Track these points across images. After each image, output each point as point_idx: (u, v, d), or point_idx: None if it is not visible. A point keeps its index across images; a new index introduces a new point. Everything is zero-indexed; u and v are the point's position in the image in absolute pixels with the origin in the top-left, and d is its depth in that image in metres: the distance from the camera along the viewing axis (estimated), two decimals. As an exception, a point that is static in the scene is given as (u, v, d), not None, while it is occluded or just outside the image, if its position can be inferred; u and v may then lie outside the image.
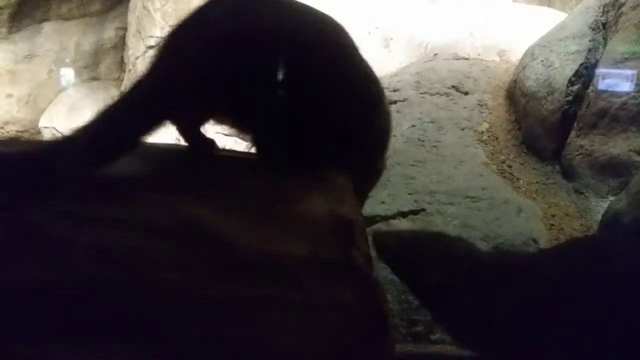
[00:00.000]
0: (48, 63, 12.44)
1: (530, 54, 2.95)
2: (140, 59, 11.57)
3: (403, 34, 4.40)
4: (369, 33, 4.51)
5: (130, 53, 11.71)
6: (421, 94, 3.13)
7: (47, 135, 11.91)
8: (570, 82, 2.48)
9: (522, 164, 2.57)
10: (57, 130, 11.82)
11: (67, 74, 12.31)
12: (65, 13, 11.99)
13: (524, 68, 2.89)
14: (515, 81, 2.96)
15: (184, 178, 1.22)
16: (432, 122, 2.86)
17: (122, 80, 12.41)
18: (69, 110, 12.01)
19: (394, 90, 3.21)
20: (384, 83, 3.44)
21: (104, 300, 0.96)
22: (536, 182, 2.42)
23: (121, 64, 12.55)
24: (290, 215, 1.26)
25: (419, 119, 2.88)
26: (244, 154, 1.41)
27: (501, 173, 2.49)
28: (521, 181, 2.43)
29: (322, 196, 1.42)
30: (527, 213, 2.14)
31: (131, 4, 11.46)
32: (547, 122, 2.54)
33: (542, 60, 2.72)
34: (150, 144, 1.26)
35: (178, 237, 1.10)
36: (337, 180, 1.46)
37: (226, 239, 1.11)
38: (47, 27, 12.15)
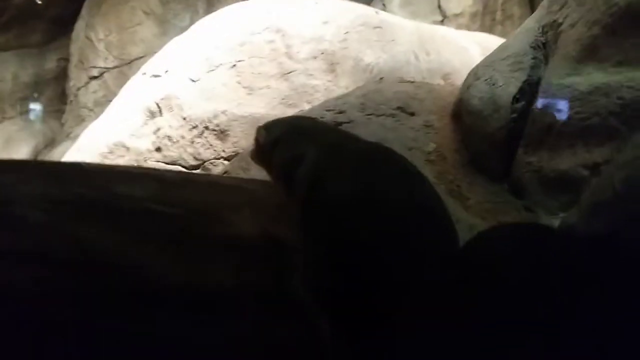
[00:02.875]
0: (-20, 96, 11.77)
1: (473, 74, 2.94)
2: (82, 89, 11.17)
3: (348, 58, 4.37)
4: (315, 58, 4.44)
5: (72, 84, 11.29)
6: (367, 115, 3.05)
7: (-21, 170, 11.16)
8: (515, 99, 2.45)
9: (470, 183, 2.50)
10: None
11: (3, 107, 11.71)
12: (3, 43, 11.46)
13: (468, 88, 2.86)
14: (460, 100, 2.92)
15: (85, 200, 1.03)
16: (379, 141, 2.76)
17: (63, 112, 11.90)
18: (4, 143, 11.37)
19: (339, 112, 3.12)
20: (329, 105, 3.36)
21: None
22: (486, 201, 2.35)
23: (62, 96, 12.08)
24: (212, 237, 1.09)
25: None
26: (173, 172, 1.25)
27: (450, 192, 2.40)
28: (471, 200, 2.35)
29: (253, 213, 1.26)
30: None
31: (74, 35, 11.11)
32: (493, 140, 2.49)
33: (486, 80, 2.70)
34: (49, 161, 1.07)
35: (74, 269, 0.90)
36: (270, 195, 1.31)
37: (129, 268, 0.93)
38: (-18, 58, 11.56)
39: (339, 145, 1.51)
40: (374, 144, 1.57)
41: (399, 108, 3.13)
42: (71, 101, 11.05)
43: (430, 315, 1.06)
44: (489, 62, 2.88)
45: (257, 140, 1.62)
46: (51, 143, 11.10)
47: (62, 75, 11.50)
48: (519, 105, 2.44)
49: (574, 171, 2.13)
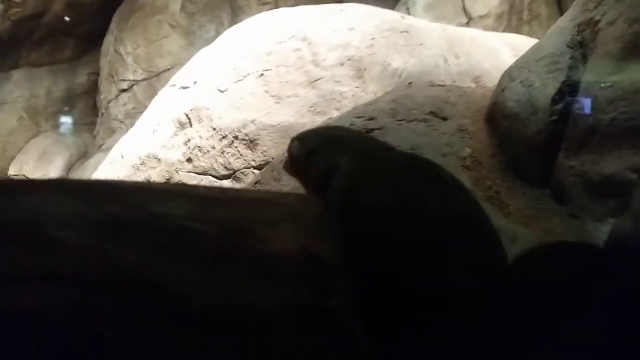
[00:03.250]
0: (18, 110, 12.18)
1: (507, 76, 2.85)
2: (112, 102, 11.41)
3: (376, 63, 4.32)
4: (341, 64, 4.41)
5: (102, 97, 11.54)
6: (398, 121, 2.99)
7: (16, 184, 11.47)
8: (554, 101, 2.36)
9: (509, 189, 2.41)
10: (27, 178, 11.45)
11: (37, 120, 12.05)
12: (35, 60, 11.82)
13: (502, 90, 2.78)
14: (495, 103, 2.84)
15: (120, 219, 1.00)
16: (412, 149, 2.70)
17: (94, 125, 12.17)
18: (39, 156, 11.67)
19: (369, 119, 3.07)
20: (359, 112, 3.32)
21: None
22: (527, 207, 2.26)
23: (94, 109, 12.36)
24: (250, 255, 1.05)
25: (398, 146, 2.71)
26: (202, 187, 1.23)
27: (489, 199, 2.33)
28: (511, 207, 2.27)
29: (291, 229, 1.22)
30: (522, 241, 1.96)
31: (103, 49, 11.37)
32: (532, 144, 2.40)
33: (522, 81, 2.61)
34: (82, 180, 1.05)
35: (115, 291, 0.87)
36: (307, 208, 1.26)
37: (167, 288, 0.89)
38: (17, 74, 11.94)
39: (372, 154, 1.47)
40: (407, 153, 1.52)
41: (431, 113, 3.06)
42: (102, 114, 11.31)
43: (474, 331, 1.01)
44: (523, 64, 2.79)
45: (290, 151, 1.59)
46: (84, 155, 11.37)
47: (93, 89, 11.79)
48: (558, 106, 2.35)
49: (620, 175, 2.03)
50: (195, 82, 5.01)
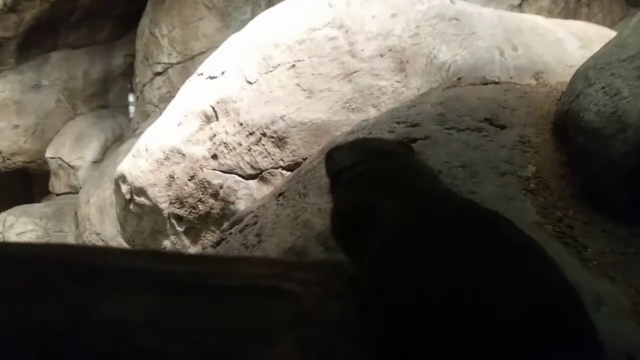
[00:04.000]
0: (56, 92, 12.26)
1: (583, 78, 2.35)
2: (147, 86, 11.26)
3: (420, 55, 3.84)
4: (381, 56, 3.95)
5: (137, 80, 11.43)
6: (447, 129, 2.54)
7: (53, 166, 11.57)
8: (650, 116, 1.88)
9: (586, 224, 1.95)
10: (62, 161, 11.50)
11: (75, 103, 12.07)
12: (73, 41, 11.78)
13: (577, 96, 2.29)
14: (566, 112, 2.35)
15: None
16: (463, 166, 2.27)
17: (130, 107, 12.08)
18: (75, 139, 11.68)
19: (413, 126, 2.64)
20: (399, 116, 2.88)
21: None
22: (611, 252, 1.80)
23: (130, 92, 12.30)
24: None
25: (447, 162, 2.29)
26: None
27: (560, 237, 1.88)
28: (590, 250, 1.81)
29: (297, 346, 0.85)
30: (610, 306, 1.52)
31: (139, 31, 11.20)
32: (618, 169, 1.93)
33: (604, 88, 2.12)
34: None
35: None
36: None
37: None
38: (55, 56, 11.96)
39: (423, 207, 1.08)
40: (474, 207, 1.11)
41: (485, 120, 2.60)
42: (137, 97, 11.20)
43: None
44: (604, 64, 2.28)
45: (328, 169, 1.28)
46: (120, 138, 11.32)
47: (129, 71, 11.68)
48: (655, 124, 1.86)
49: None
50: (223, 72, 4.66)
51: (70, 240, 9.88)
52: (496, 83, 3.23)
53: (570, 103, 2.32)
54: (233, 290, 0.92)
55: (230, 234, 2.74)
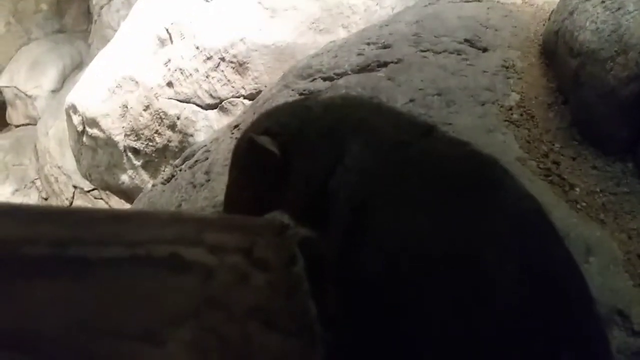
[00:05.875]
0: (5, 15, 11.37)
1: (578, -9, 2.04)
2: (105, 8, 10.44)
3: (396, -31, 3.44)
4: (353, -30, 3.53)
5: (94, 2, 10.59)
6: (422, 52, 2.24)
7: (8, 95, 10.89)
8: (657, 35, 1.61)
9: (575, 160, 1.72)
10: (18, 90, 10.83)
11: (28, 27, 11.26)
12: (20, -43, 10.76)
13: (571, 13, 1.99)
14: (557, 32, 2.06)
15: None
16: (439, 94, 2.00)
17: (89, 32, 11.30)
18: (30, 66, 10.98)
19: (384, 47, 2.33)
20: (370, 36, 2.55)
21: None
22: (601, 192, 1.59)
23: (87, 15, 11.46)
24: None
25: (420, 89, 2.02)
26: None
27: (545, 175, 1.65)
28: (577, 189, 1.60)
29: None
30: (600, 256, 1.32)
31: (93, -55, 10.22)
32: (615, 97, 1.67)
33: (603, 1, 1.82)
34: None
35: None
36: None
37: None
38: (3, -24, 10.94)
39: (400, 141, 0.86)
40: (459, 145, 0.89)
41: (466, 41, 2.30)
42: (95, 21, 10.41)
43: None
44: (603, -26, 1.97)
45: (246, 158, 0.96)
46: (79, 66, 10.62)
47: (86, -8, 10.80)
48: (662, 44, 1.59)
49: None
50: (177, -11, 4.17)
51: (31, 174, 9.46)
52: (478, 0, 2.89)
53: (562, 21, 2.03)
54: (107, 263, 0.66)
55: (180, 170, 2.46)
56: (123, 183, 4.64)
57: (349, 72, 2.23)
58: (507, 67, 2.16)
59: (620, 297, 1.21)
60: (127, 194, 4.59)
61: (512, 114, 1.93)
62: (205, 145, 2.53)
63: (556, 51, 2.03)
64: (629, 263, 1.31)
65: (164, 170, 4.39)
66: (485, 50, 2.27)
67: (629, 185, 1.59)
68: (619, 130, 1.68)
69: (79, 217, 0.75)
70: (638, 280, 1.26)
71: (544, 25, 2.38)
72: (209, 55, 3.78)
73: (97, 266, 0.64)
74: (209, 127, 3.80)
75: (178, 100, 3.99)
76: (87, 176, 5.38)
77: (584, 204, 1.54)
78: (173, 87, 4.01)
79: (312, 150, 0.90)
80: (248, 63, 3.63)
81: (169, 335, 0.58)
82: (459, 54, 2.22)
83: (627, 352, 1.11)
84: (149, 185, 4.17)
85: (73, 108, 4.85)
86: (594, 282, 1.25)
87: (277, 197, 0.92)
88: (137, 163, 4.40)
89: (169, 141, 4.06)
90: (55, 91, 10.41)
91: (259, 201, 0.94)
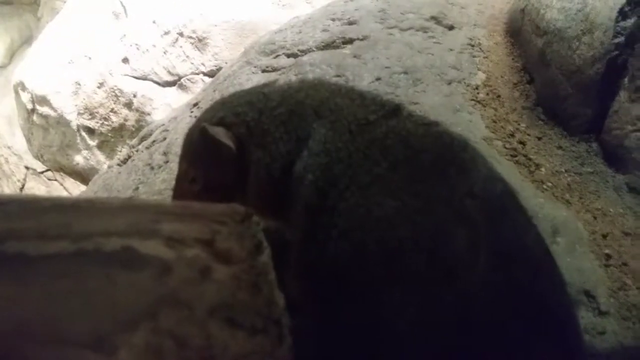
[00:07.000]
0: (-57, -17, 10.65)
1: (544, -31, 2.02)
2: (55, -21, 9.91)
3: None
4: (317, -57, 3.42)
5: (41, -29, 10.03)
6: (388, 29, 2.19)
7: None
8: (622, 14, 1.60)
9: (540, 140, 1.72)
10: (-39, 67, 10.22)
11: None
12: None
13: (537, -10, 1.97)
14: (523, 10, 2.04)
15: None
16: (405, 72, 1.96)
17: (38, 5, 10.71)
18: (-26, 41, 10.35)
19: (350, 24, 2.26)
20: (335, 12, 2.48)
21: None
22: (566, 172, 1.59)
23: (36, -15, 10.85)
24: None
25: (387, 67, 1.97)
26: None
27: (512, 156, 1.64)
28: (543, 169, 1.59)
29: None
30: (566, 236, 1.32)
31: None
32: (580, 76, 1.67)
33: (570, -20, 1.81)
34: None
35: None
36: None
37: None
38: (-61, -61, 10.22)
39: (366, 121, 0.83)
40: (427, 125, 0.85)
41: (432, 18, 2.26)
42: (44, -8, 9.86)
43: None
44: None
45: (208, 148, 0.89)
46: (28, 40, 10.07)
47: (32, -39, 10.20)
48: (627, 23, 1.59)
49: None
50: (131, -42, 3.95)
51: (-21, 154, 9.00)
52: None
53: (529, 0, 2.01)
54: (50, 260, 0.59)
55: (137, 150, 2.35)
56: (77, 164, 4.44)
57: (314, 49, 2.15)
58: (473, 46, 2.13)
59: (587, 278, 1.22)
60: (82, 175, 4.39)
61: (478, 93, 1.91)
62: (163, 125, 2.41)
63: (522, 29, 2.01)
64: (594, 243, 1.32)
65: (120, 151, 4.23)
66: (451, 28, 2.23)
67: (593, 165, 1.60)
68: (583, 110, 1.68)
69: (17, 206, 0.67)
70: (604, 261, 1.27)
71: (509, 2, 2.36)
72: (166, 30, 3.62)
73: (38, 263, 0.57)
74: (167, 105, 3.66)
75: (134, 77, 3.81)
76: (39, 157, 5.13)
77: (549, 184, 1.54)
78: (129, 63, 3.82)
79: (272, 139, 0.85)
80: (208, 38, 3.50)
81: (121, 342, 0.52)
82: (425, 32, 2.18)
83: (593, 332, 1.11)
84: (105, 167, 4.01)
85: (21, 85, 4.58)
86: (562, 263, 1.25)
87: (232, 190, 0.86)
88: (92, 143, 4.21)
89: (125, 120, 3.89)
90: (2, 67, 9.86)
91: (211, 194, 0.87)
